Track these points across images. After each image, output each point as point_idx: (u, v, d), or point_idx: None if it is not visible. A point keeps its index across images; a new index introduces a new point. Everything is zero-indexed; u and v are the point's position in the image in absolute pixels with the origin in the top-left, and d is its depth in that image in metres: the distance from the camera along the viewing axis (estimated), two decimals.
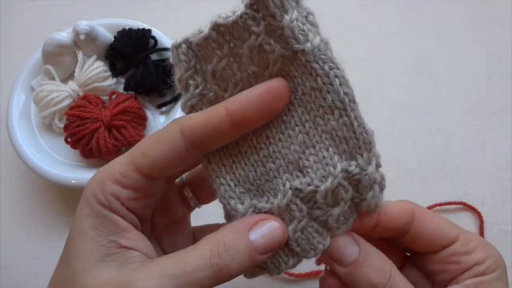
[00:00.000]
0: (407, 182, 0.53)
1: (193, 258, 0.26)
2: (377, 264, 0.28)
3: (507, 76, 0.59)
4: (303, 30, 0.26)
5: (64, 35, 0.55)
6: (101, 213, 0.28)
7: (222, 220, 0.32)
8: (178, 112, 0.53)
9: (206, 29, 0.27)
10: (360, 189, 0.28)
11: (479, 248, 0.30)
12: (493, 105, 0.57)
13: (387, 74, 0.60)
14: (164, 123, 0.55)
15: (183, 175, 0.36)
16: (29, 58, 0.58)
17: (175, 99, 0.55)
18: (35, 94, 0.54)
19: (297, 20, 0.26)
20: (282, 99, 0.28)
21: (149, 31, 0.57)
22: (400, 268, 0.33)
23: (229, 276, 0.26)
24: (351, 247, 0.29)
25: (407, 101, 0.58)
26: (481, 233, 0.50)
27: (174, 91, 0.56)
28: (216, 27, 0.27)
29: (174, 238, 0.35)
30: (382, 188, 0.29)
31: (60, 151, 0.54)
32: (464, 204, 0.51)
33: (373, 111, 0.58)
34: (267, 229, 0.27)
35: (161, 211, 0.34)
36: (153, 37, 0.57)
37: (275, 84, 0.27)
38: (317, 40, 0.26)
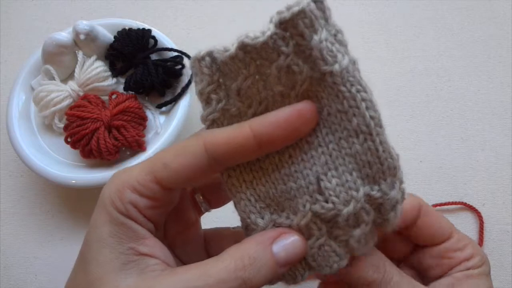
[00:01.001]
0: (407, 182, 0.52)
1: (216, 271, 0.26)
2: (372, 261, 0.30)
3: (507, 76, 0.59)
4: (332, 51, 0.25)
5: (64, 35, 0.55)
6: (120, 220, 0.27)
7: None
8: (178, 112, 0.53)
9: (232, 48, 0.26)
10: (382, 211, 0.28)
11: (469, 246, 0.33)
12: (493, 105, 0.57)
13: (387, 74, 0.60)
14: (164, 123, 0.55)
15: None
16: (29, 58, 0.58)
17: (175, 99, 0.55)
18: (35, 94, 0.54)
19: (326, 40, 0.25)
20: (310, 123, 0.27)
21: (149, 31, 0.57)
22: (406, 256, 0.36)
23: None
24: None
25: (407, 101, 0.58)
26: (481, 233, 0.50)
27: (174, 91, 0.56)
28: (243, 47, 0.26)
29: (186, 243, 0.35)
30: (402, 202, 0.29)
31: (60, 151, 0.54)
32: (464, 204, 0.51)
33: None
34: (289, 243, 0.28)
35: (174, 216, 0.34)
36: (153, 37, 0.57)
37: (304, 108, 0.27)
38: (345, 62, 0.26)
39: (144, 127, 0.54)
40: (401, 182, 0.28)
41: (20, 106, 0.56)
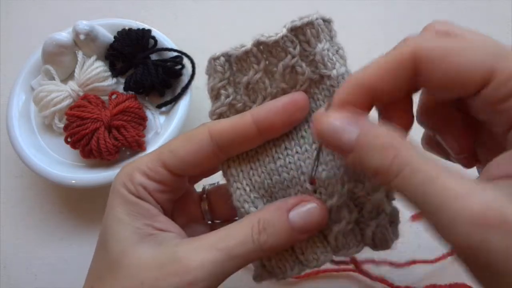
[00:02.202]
0: None
1: (236, 233, 0.28)
2: (377, 142, 0.23)
3: None
4: (332, 60, 0.30)
5: (64, 35, 0.55)
6: (133, 200, 0.29)
7: None
8: (178, 112, 0.53)
9: (248, 45, 0.30)
10: (365, 214, 0.30)
11: None
12: None
13: None
14: (164, 123, 0.55)
15: (205, 188, 0.38)
16: (29, 58, 0.58)
17: (175, 99, 0.55)
18: (35, 94, 0.54)
19: (328, 50, 0.30)
20: (303, 110, 0.30)
21: (149, 31, 0.57)
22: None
23: (269, 251, 0.28)
24: (348, 131, 0.25)
25: None
26: None
27: (174, 91, 0.56)
28: (258, 44, 0.30)
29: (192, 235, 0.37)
30: (392, 222, 0.31)
31: (60, 151, 0.54)
32: None
33: (373, 111, 0.58)
34: (305, 210, 0.29)
35: (180, 209, 0.36)
36: (153, 37, 0.57)
37: (298, 97, 0.30)
38: (342, 69, 0.30)
39: (144, 127, 0.54)
40: (391, 196, 0.30)
41: (20, 106, 0.56)
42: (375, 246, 0.31)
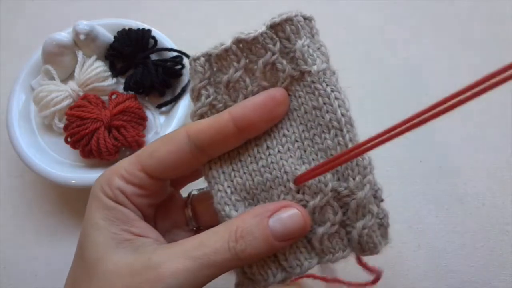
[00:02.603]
0: (407, 182, 0.53)
1: (213, 241, 0.27)
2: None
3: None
4: (312, 55, 0.29)
5: (64, 35, 0.55)
6: (110, 205, 0.29)
7: None
8: (178, 112, 0.53)
9: (228, 43, 0.30)
10: (350, 215, 0.29)
11: None
12: (493, 105, 0.57)
13: (386, 74, 0.60)
14: (164, 123, 0.55)
15: (191, 194, 0.37)
16: (29, 58, 0.58)
17: (175, 99, 0.55)
18: (35, 94, 0.54)
19: (308, 47, 0.29)
20: (282, 106, 0.30)
21: (149, 31, 0.57)
22: None
23: (248, 260, 0.27)
24: None
25: (407, 101, 0.58)
26: None
27: (174, 91, 0.56)
28: (237, 41, 0.30)
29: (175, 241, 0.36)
30: (381, 225, 0.29)
31: (60, 151, 0.54)
32: None
33: (372, 111, 0.58)
34: (286, 216, 0.27)
35: (163, 215, 0.35)
36: (153, 37, 0.57)
37: (276, 92, 0.29)
38: (323, 65, 0.29)
39: (144, 127, 0.54)
40: (378, 191, 0.29)
41: (20, 106, 0.56)
42: (363, 251, 0.29)
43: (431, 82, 0.59)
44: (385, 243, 0.30)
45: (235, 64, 0.30)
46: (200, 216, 0.36)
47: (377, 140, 0.26)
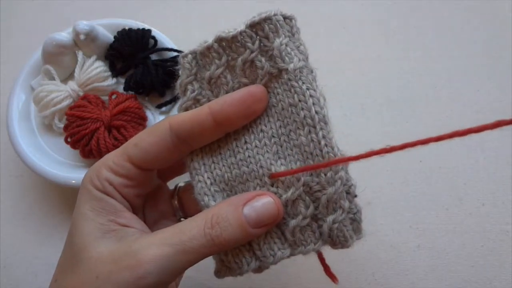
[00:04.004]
0: (407, 182, 0.53)
1: (189, 228, 0.28)
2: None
3: (507, 76, 0.59)
4: (290, 54, 0.30)
5: (64, 35, 0.55)
6: (98, 196, 0.30)
7: None
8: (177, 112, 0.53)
9: (210, 40, 0.31)
10: (321, 209, 0.30)
11: None
12: (493, 105, 0.57)
13: (386, 74, 0.60)
14: None
15: (177, 186, 0.38)
16: (29, 58, 0.58)
17: (175, 99, 0.55)
18: (35, 94, 0.54)
19: (286, 45, 0.30)
20: (260, 102, 0.31)
21: (149, 31, 0.57)
22: None
23: (223, 246, 0.28)
24: None
25: (407, 101, 0.58)
26: None
27: (174, 91, 0.56)
28: (218, 40, 0.31)
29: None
30: (354, 220, 0.30)
31: (60, 151, 0.54)
32: None
33: (372, 111, 0.58)
34: (260, 204, 0.29)
35: (151, 206, 0.36)
36: (153, 37, 0.57)
37: (255, 89, 0.31)
38: (300, 64, 0.30)
39: (144, 127, 0.54)
40: (351, 187, 0.30)
41: (20, 106, 0.56)
42: (334, 244, 0.30)
43: (432, 82, 0.59)
44: (358, 237, 0.31)
45: (216, 61, 0.31)
46: (187, 207, 0.38)
47: (356, 156, 0.27)
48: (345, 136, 0.55)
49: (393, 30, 0.63)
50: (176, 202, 0.37)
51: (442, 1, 0.65)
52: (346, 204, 0.30)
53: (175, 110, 0.54)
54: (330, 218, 0.29)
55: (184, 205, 0.38)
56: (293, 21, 0.31)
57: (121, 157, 0.31)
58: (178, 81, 0.33)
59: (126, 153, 0.31)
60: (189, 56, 0.32)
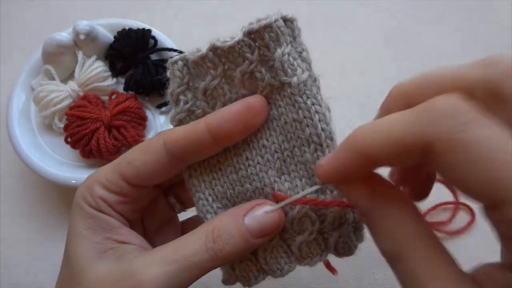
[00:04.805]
0: None
1: (191, 243, 0.27)
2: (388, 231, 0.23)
3: None
4: (293, 65, 0.27)
5: (64, 35, 0.55)
6: (92, 213, 0.29)
7: None
8: None
9: (204, 49, 0.28)
10: (327, 225, 0.29)
11: None
12: None
13: (386, 74, 0.60)
14: (164, 123, 0.55)
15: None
16: (29, 58, 0.58)
17: None
18: (35, 94, 0.54)
19: (288, 55, 0.27)
20: (260, 116, 0.29)
21: (149, 31, 0.57)
22: None
23: (226, 259, 0.27)
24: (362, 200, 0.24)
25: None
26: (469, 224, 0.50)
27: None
28: (213, 48, 0.28)
29: (165, 238, 0.36)
30: (357, 229, 0.30)
31: (60, 151, 0.54)
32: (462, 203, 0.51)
33: (372, 111, 0.58)
34: (260, 214, 0.28)
35: (150, 215, 0.35)
36: (153, 37, 0.57)
37: (253, 101, 0.28)
38: (304, 76, 0.28)
39: (144, 127, 0.54)
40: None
41: (20, 106, 0.56)
42: (339, 254, 0.30)
43: None
44: (360, 243, 0.31)
45: (212, 71, 0.29)
46: (184, 200, 0.37)
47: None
48: (345, 136, 0.54)
49: (393, 30, 0.63)
50: (172, 198, 0.36)
51: (442, 1, 0.65)
52: (351, 216, 0.29)
53: None
54: (336, 233, 0.29)
55: (182, 199, 0.37)
56: (294, 23, 0.29)
57: (115, 174, 0.29)
58: (169, 90, 0.31)
59: (119, 171, 0.29)
60: (179, 63, 0.30)
